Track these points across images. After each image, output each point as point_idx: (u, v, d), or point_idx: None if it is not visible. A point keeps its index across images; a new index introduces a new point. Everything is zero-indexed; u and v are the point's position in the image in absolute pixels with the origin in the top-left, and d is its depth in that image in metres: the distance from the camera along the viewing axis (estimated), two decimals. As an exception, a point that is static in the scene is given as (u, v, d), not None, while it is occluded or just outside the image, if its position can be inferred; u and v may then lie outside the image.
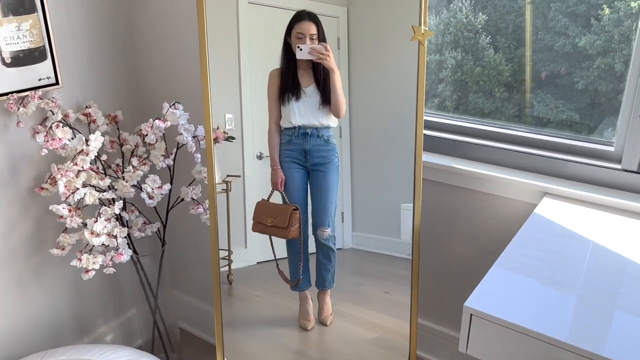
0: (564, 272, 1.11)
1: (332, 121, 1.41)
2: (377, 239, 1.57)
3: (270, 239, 1.55)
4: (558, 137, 1.51)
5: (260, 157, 1.53)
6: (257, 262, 1.63)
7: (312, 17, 1.34)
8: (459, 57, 1.67)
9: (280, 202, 1.51)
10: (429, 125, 1.69)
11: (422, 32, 1.22)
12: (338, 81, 1.36)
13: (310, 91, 1.39)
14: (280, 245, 1.57)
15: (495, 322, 0.99)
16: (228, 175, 1.53)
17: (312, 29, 1.34)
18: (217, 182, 1.49)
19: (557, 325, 0.95)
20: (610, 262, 1.14)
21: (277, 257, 1.57)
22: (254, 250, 1.61)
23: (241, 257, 1.61)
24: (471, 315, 1.02)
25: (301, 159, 1.44)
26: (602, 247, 1.19)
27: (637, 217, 1.32)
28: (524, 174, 1.49)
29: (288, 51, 1.37)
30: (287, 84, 1.38)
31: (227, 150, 1.50)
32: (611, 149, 1.42)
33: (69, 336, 1.83)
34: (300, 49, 1.32)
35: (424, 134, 1.65)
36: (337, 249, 1.55)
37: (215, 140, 1.44)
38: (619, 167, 1.39)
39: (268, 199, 1.50)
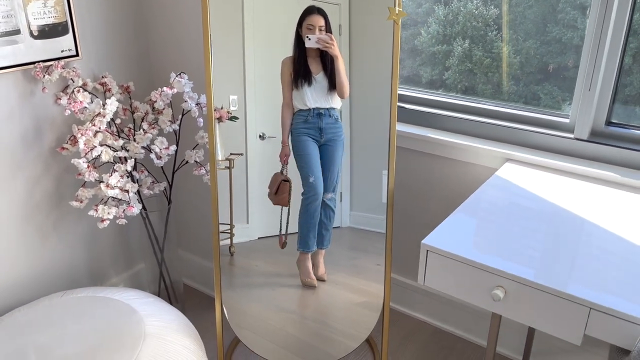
0: (514, 221, 1.29)
1: (338, 103, 1.59)
2: (373, 218, 1.65)
3: (281, 211, 1.69)
4: (521, 110, 1.67)
5: (262, 137, 1.63)
6: (258, 238, 1.70)
7: (320, 12, 1.51)
8: (465, 45, 1.71)
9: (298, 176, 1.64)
10: (410, 100, 1.87)
11: (397, 12, 1.40)
12: (342, 66, 1.54)
13: (319, 78, 1.55)
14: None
15: (446, 256, 1.17)
16: (231, 153, 1.62)
17: (321, 21, 1.50)
18: (220, 159, 1.61)
19: (497, 258, 1.13)
20: (558, 215, 1.31)
21: (281, 230, 1.69)
22: (255, 226, 1.69)
23: (243, 233, 1.70)
24: (427, 251, 1.20)
25: (316, 136, 1.59)
26: (552, 204, 1.37)
27: (586, 180, 1.50)
28: (490, 143, 1.66)
29: (299, 41, 1.53)
30: (299, 71, 1.54)
31: (230, 130, 1.59)
32: (567, 120, 1.59)
33: (84, 285, 2.02)
34: (309, 39, 1.49)
35: (405, 108, 1.85)
36: (335, 227, 1.68)
37: (220, 119, 1.58)
38: (572, 136, 1.57)
39: (281, 172, 1.64)
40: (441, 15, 1.75)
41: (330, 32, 1.51)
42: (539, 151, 1.61)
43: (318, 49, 1.52)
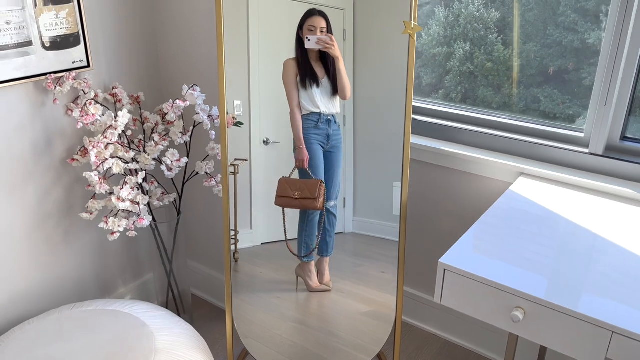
0: (531, 238, 1.28)
1: (339, 107, 1.58)
2: (377, 224, 1.64)
3: (284, 217, 1.66)
4: (535, 124, 1.66)
5: (266, 142, 1.62)
6: (262, 243, 1.70)
7: (321, 13, 1.50)
8: (467, 48, 1.69)
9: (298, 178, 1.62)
10: (422, 112, 1.86)
11: (412, 26, 1.39)
12: (343, 68, 1.53)
13: (324, 82, 1.54)
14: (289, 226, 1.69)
15: (464, 276, 1.16)
16: (236, 159, 1.62)
17: (322, 23, 1.49)
18: None
19: (517, 278, 1.12)
20: (574, 232, 1.30)
21: (286, 236, 1.67)
22: (258, 231, 1.69)
23: (247, 238, 1.69)
24: (445, 270, 1.19)
25: (324, 142, 1.58)
26: (568, 220, 1.35)
27: (601, 196, 1.48)
28: (504, 156, 1.65)
29: (300, 44, 1.52)
30: (306, 71, 1.52)
31: (235, 135, 1.59)
32: (581, 135, 1.58)
33: (92, 294, 2.02)
34: (309, 40, 1.48)
35: (417, 119, 1.84)
36: (338, 233, 1.67)
37: None
38: (587, 151, 1.56)
39: (290, 176, 1.61)
40: (442, 18, 1.74)
41: (331, 34, 1.50)
42: (554, 166, 1.59)
43: (318, 52, 1.51)
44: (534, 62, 1.62)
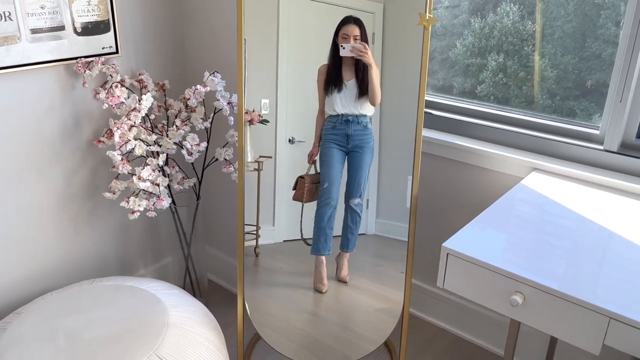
0: (535, 227, 1.28)
1: (369, 110, 1.62)
2: (399, 226, 1.68)
3: (302, 212, 1.72)
4: (550, 120, 1.67)
5: (291, 141, 1.66)
6: (284, 240, 1.73)
7: (356, 21, 1.55)
8: (500, 60, 1.71)
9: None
10: (437, 106, 1.88)
11: (427, 18, 1.42)
12: (375, 75, 1.57)
13: (350, 84, 1.58)
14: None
15: (465, 260, 1.18)
16: (260, 156, 1.66)
17: (356, 31, 1.54)
18: (249, 160, 1.66)
19: (517, 264, 1.13)
20: (584, 225, 1.30)
21: (302, 229, 1.73)
22: (281, 228, 1.73)
23: (269, 235, 1.73)
24: (447, 254, 1.21)
25: (343, 142, 1.63)
26: (575, 212, 1.35)
27: (614, 192, 1.47)
28: (517, 151, 1.66)
29: (335, 50, 1.57)
30: (331, 77, 1.58)
31: (261, 133, 1.64)
32: (597, 131, 1.58)
33: (112, 274, 2.09)
34: (343, 47, 1.53)
35: (433, 114, 1.86)
36: (360, 234, 1.70)
37: (251, 122, 1.62)
38: (601, 147, 1.55)
39: (315, 171, 1.69)
40: (477, 28, 1.75)
41: (366, 42, 1.54)
42: (567, 161, 1.59)
43: (354, 57, 1.55)
44: (571, 75, 1.61)
